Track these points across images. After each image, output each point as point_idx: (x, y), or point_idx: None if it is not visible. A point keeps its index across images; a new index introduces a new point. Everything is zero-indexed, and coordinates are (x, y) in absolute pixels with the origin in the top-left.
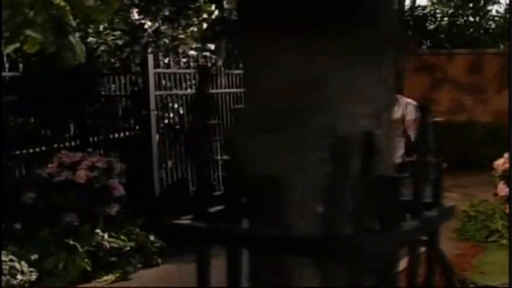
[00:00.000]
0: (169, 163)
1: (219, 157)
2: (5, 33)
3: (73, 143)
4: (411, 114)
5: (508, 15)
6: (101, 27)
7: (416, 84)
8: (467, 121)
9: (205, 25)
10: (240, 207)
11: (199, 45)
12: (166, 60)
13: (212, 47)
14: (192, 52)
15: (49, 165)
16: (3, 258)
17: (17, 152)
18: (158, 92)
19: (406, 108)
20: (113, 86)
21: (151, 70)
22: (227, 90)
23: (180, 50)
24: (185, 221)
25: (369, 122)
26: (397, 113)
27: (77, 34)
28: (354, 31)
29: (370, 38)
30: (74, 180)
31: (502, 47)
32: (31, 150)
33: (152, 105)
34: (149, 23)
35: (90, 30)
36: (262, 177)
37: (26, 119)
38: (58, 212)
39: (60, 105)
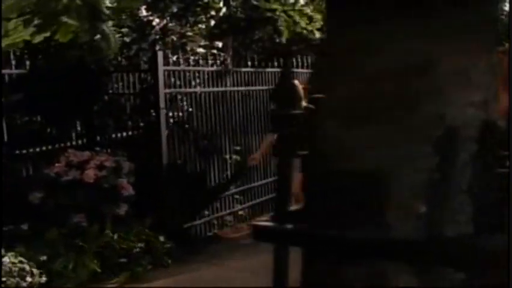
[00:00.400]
0: (179, 162)
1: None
2: (37, 21)
3: (79, 142)
4: None
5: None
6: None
7: None
8: None
9: (212, 22)
10: (327, 207)
11: (207, 42)
12: (175, 58)
13: (220, 44)
14: (201, 49)
15: (56, 164)
16: (12, 259)
17: (24, 151)
18: (167, 90)
19: None
20: (120, 84)
21: (161, 67)
22: (235, 88)
23: (188, 48)
24: (266, 222)
25: (478, 112)
26: None
27: (110, 23)
28: (465, 13)
29: (481, 22)
30: (82, 179)
31: (506, 45)
32: (38, 149)
33: (162, 104)
34: (157, 20)
35: None
36: (360, 173)
37: (32, 118)
38: (66, 212)
39: (66, 103)
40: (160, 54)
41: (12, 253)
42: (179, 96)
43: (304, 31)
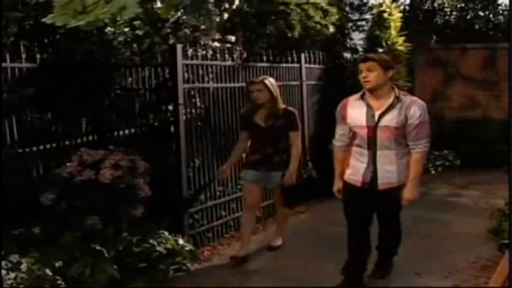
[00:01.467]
0: (196, 161)
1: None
2: None
3: (90, 139)
4: (414, 116)
5: None
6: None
7: (427, 80)
8: (481, 117)
9: (226, 15)
10: None
11: (220, 36)
12: (191, 51)
13: (232, 38)
14: (216, 44)
15: (69, 163)
16: (30, 266)
17: (34, 149)
18: (186, 85)
19: (410, 109)
20: (133, 78)
21: (180, 61)
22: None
23: (202, 42)
24: None
25: None
26: (399, 116)
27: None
28: None
29: None
30: (97, 180)
31: None
32: (48, 146)
33: (181, 99)
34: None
35: (106, 20)
36: None
37: (42, 114)
38: (80, 214)
39: (77, 98)
40: (179, 47)
41: (29, 259)
42: (194, 92)
43: (318, 26)
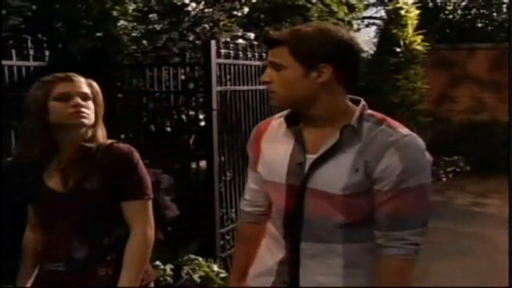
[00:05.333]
0: (228, 174)
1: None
2: None
3: None
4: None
5: None
6: (130, 9)
7: (433, 82)
8: (489, 120)
9: (246, 10)
10: None
11: (240, 33)
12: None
13: (252, 35)
14: (241, 41)
15: None
16: None
17: None
18: (219, 88)
19: (381, 155)
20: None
21: (214, 60)
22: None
23: (223, 39)
24: None
25: None
26: (353, 168)
27: None
28: None
29: None
30: None
31: None
32: None
33: (214, 104)
34: (193, 5)
35: (114, 13)
36: None
37: None
38: None
39: None
40: (213, 44)
41: None
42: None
43: (341, 22)
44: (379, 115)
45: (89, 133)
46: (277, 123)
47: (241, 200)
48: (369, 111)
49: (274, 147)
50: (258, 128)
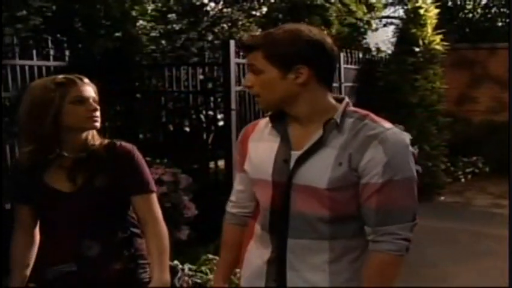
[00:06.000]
0: None
1: None
2: None
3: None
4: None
5: None
6: (149, 9)
7: (453, 82)
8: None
9: (264, 9)
10: None
11: (258, 33)
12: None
13: None
14: None
15: None
16: None
17: None
18: (238, 88)
19: (365, 149)
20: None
21: (233, 60)
22: None
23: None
24: None
25: None
26: (337, 162)
27: None
28: None
29: None
30: None
31: None
32: None
33: (233, 104)
34: (212, 4)
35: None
36: None
37: None
38: None
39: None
40: (232, 43)
41: None
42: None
43: (359, 22)
44: (362, 111)
45: (91, 133)
46: (264, 122)
47: (228, 202)
48: (353, 108)
49: (261, 145)
50: (246, 129)
